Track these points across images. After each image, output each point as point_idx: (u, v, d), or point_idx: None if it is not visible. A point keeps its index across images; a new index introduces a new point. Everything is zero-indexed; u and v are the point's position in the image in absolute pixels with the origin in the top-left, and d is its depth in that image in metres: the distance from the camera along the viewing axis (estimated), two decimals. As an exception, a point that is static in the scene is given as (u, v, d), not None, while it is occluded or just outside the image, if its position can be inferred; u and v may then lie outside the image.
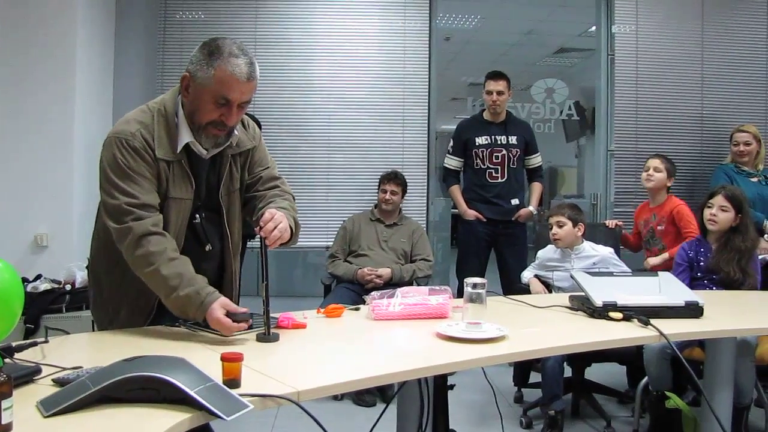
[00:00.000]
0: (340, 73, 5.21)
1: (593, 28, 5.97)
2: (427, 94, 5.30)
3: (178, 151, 2.01)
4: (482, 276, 2.77)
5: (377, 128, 5.23)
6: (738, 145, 4.54)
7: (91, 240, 2.21)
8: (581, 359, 3.70)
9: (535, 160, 4.88)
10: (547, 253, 3.90)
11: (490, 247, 4.75)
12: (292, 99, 5.12)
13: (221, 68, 1.90)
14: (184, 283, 1.91)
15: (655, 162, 4.26)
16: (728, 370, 2.82)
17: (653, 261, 4.07)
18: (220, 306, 1.89)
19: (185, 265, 1.96)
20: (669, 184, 4.26)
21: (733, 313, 2.69)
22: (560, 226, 3.76)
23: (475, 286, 2.02)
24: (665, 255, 4.02)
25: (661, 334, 2.12)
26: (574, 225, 3.75)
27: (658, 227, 4.16)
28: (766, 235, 4.08)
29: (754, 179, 4.47)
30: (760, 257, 3.62)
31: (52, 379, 1.50)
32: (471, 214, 4.69)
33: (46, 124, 4.17)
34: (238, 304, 2.29)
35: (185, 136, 2.01)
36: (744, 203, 3.50)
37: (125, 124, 2.01)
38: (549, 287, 3.79)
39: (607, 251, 3.80)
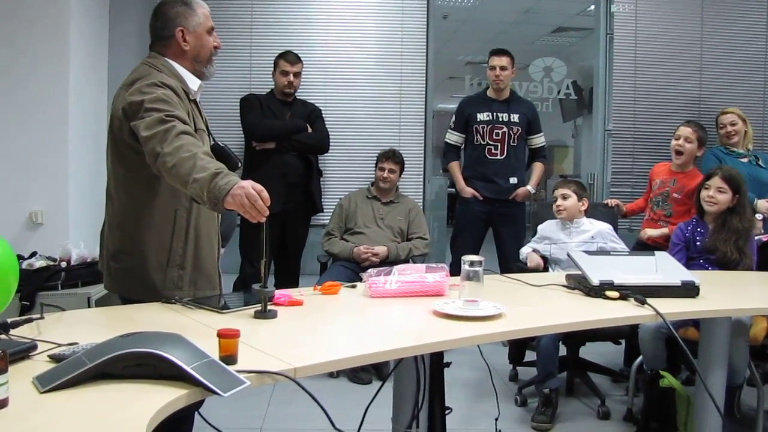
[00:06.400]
0: (337, 51, 5.16)
1: (592, 6, 5.92)
2: (424, 72, 5.25)
3: (195, 91, 2.31)
4: (475, 253, 2.78)
5: (374, 106, 5.19)
6: (725, 127, 4.49)
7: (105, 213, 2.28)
8: (576, 338, 3.72)
9: (538, 140, 4.85)
10: (547, 226, 3.92)
11: (487, 226, 4.74)
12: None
13: (201, 7, 2.34)
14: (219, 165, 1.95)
15: (687, 131, 4.18)
16: (723, 349, 2.82)
17: (652, 232, 4.06)
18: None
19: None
20: (699, 154, 4.22)
21: (728, 293, 2.69)
22: (565, 198, 3.80)
23: (472, 264, 2.02)
24: (665, 230, 4.01)
25: (658, 313, 2.13)
26: (579, 199, 3.80)
27: (674, 194, 4.13)
28: (757, 214, 4.06)
29: (744, 159, 4.43)
30: (756, 238, 3.62)
31: (48, 355, 1.49)
32: (468, 191, 4.68)
33: (40, 101, 4.12)
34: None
35: (196, 82, 2.32)
36: (741, 184, 3.51)
37: (150, 78, 2.15)
38: (547, 261, 3.81)
39: (605, 226, 3.83)
